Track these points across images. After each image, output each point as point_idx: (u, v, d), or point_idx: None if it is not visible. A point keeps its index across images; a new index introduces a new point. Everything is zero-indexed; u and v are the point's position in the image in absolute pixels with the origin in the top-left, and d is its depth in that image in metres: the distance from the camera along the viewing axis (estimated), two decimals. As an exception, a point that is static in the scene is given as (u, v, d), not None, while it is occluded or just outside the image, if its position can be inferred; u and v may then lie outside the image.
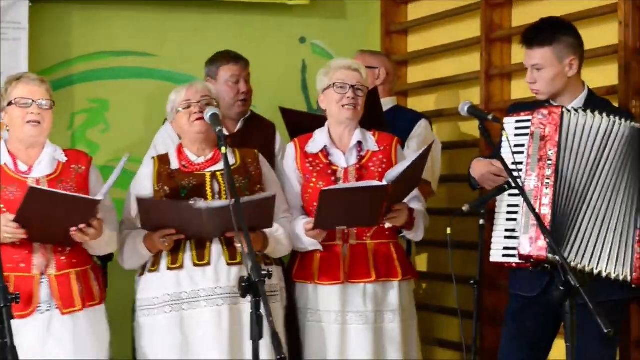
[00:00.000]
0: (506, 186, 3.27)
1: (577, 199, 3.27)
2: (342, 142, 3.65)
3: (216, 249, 3.44)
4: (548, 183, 3.26)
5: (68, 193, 3.27)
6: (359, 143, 3.63)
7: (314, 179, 3.59)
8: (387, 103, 4.30)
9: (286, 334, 3.57)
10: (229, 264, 3.44)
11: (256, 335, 2.72)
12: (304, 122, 3.80)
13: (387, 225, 3.54)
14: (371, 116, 3.81)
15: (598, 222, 3.25)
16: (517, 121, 3.36)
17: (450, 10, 4.72)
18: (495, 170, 3.37)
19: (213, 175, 3.50)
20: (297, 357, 3.61)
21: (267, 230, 3.47)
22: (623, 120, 3.27)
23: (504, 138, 3.29)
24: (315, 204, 3.45)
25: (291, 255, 3.68)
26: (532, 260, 3.27)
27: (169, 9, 4.73)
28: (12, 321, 3.17)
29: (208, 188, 3.47)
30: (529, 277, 3.36)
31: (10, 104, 3.36)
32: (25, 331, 3.28)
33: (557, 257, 2.93)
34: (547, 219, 3.24)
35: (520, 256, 3.27)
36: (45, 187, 3.28)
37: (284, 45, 4.93)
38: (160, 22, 4.74)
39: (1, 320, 2.69)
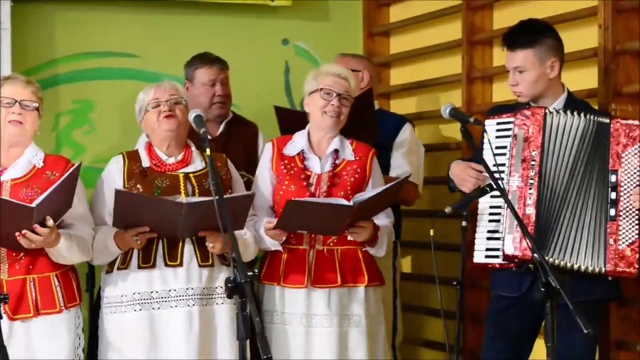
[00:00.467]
0: (488, 188, 3.30)
1: (559, 198, 3.31)
2: (319, 148, 3.66)
3: (188, 250, 3.45)
4: (532, 183, 3.30)
5: (2, 197, 3.20)
6: (336, 151, 3.64)
7: (286, 182, 3.60)
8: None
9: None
10: (200, 266, 3.45)
11: (242, 335, 2.74)
12: (298, 121, 3.79)
13: (349, 238, 3.55)
14: (364, 118, 3.83)
15: (576, 219, 3.30)
16: (498, 123, 3.39)
17: (432, 12, 4.74)
18: (473, 173, 3.40)
19: (186, 176, 3.50)
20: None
21: (235, 233, 3.48)
22: (594, 117, 3.32)
23: (485, 140, 3.33)
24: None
25: (262, 256, 3.69)
26: (516, 260, 3.30)
27: (153, 10, 4.73)
28: None
29: (182, 189, 3.47)
30: (512, 277, 3.39)
31: None
32: None
33: (539, 258, 2.97)
34: (532, 219, 3.28)
35: (505, 256, 3.30)
36: None
37: (266, 47, 4.94)
38: (145, 23, 4.73)
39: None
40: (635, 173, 3.26)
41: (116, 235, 3.42)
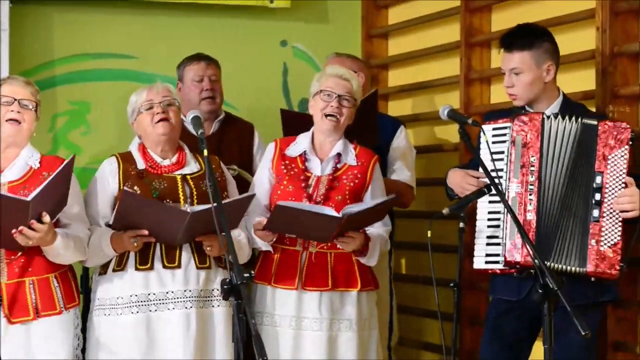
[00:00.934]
0: (485, 190, 3.30)
1: (558, 203, 3.30)
2: (322, 150, 3.64)
3: (186, 252, 3.44)
4: (532, 189, 3.30)
5: None
6: (338, 155, 3.63)
7: (285, 182, 3.58)
8: None
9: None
10: (198, 268, 3.44)
11: (238, 337, 2.73)
12: (303, 125, 3.78)
13: (338, 246, 3.52)
14: (367, 121, 3.82)
15: (570, 222, 3.29)
16: (494, 128, 3.39)
17: (431, 14, 4.74)
18: (473, 181, 3.40)
19: (184, 178, 3.49)
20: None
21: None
22: (586, 120, 3.31)
23: (482, 141, 3.32)
24: None
25: (257, 255, 3.68)
26: (518, 266, 3.30)
27: (150, 11, 4.73)
28: None
29: (180, 191, 3.46)
30: (513, 281, 3.38)
31: None
32: None
33: (538, 262, 2.96)
34: (533, 225, 3.28)
35: (507, 262, 3.30)
36: None
37: (265, 48, 4.94)
38: (142, 24, 4.73)
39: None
40: (620, 175, 3.26)
41: (113, 237, 3.41)
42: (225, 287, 2.77)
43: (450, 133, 4.57)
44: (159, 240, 3.41)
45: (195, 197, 3.45)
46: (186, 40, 4.73)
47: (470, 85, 4.47)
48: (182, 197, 3.44)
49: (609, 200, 3.27)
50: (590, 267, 3.26)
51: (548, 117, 3.33)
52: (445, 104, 3.41)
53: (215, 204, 2.95)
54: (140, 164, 3.50)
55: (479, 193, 3.31)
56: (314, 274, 3.53)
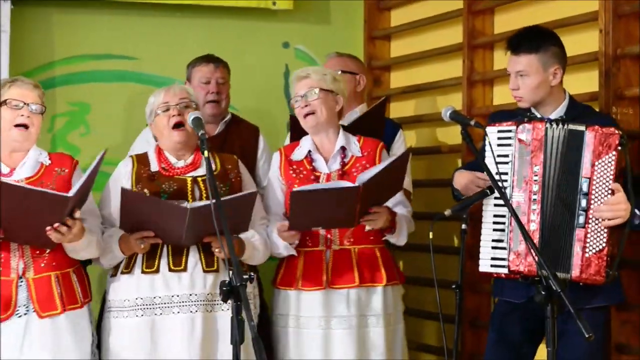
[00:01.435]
0: (488, 191, 3.29)
1: (554, 210, 3.28)
2: (324, 149, 3.65)
3: (193, 256, 3.43)
4: (535, 199, 3.28)
5: (36, 188, 3.19)
6: (343, 149, 3.63)
7: (296, 185, 3.58)
8: (362, 109, 4.30)
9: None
10: (205, 271, 3.43)
11: (237, 340, 2.71)
12: None
13: (367, 228, 3.53)
14: (374, 126, 3.83)
15: (564, 229, 3.27)
16: (499, 131, 3.37)
17: (433, 16, 4.73)
18: (480, 183, 3.38)
19: (194, 180, 3.48)
20: None
21: (243, 237, 3.46)
22: (573, 126, 3.28)
23: (486, 144, 3.30)
24: None
25: (277, 264, 3.67)
26: (522, 275, 3.28)
27: (150, 12, 4.72)
28: None
29: (189, 193, 3.45)
30: (517, 284, 3.36)
31: (0, 105, 3.33)
32: (2, 335, 3.25)
33: (544, 272, 2.94)
34: (537, 235, 3.26)
35: (511, 271, 3.29)
36: (14, 183, 3.20)
37: (267, 50, 4.93)
38: (142, 25, 4.73)
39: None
40: (607, 182, 3.23)
41: (121, 239, 3.41)
42: (224, 288, 2.75)
43: (453, 135, 4.56)
44: (165, 241, 3.40)
45: (204, 198, 3.44)
46: (187, 41, 4.72)
47: (472, 87, 4.46)
48: (190, 200, 3.43)
49: (594, 207, 3.24)
50: (575, 273, 3.24)
51: (551, 125, 3.30)
52: (448, 106, 3.40)
53: (214, 200, 2.93)
54: (154, 166, 3.51)
55: (482, 194, 3.30)
56: (339, 271, 3.53)
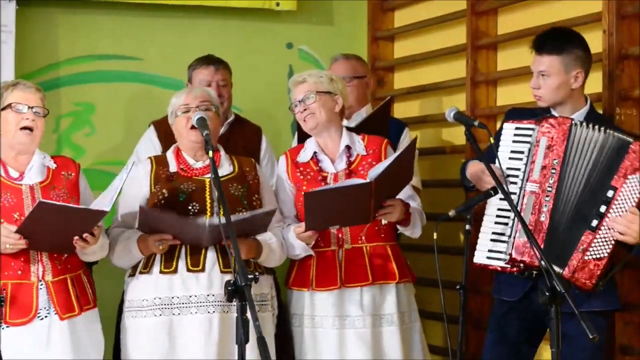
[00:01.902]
0: (492, 192, 3.29)
1: (572, 209, 3.28)
2: (329, 149, 3.67)
3: (211, 256, 3.43)
4: (550, 191, 3.28)
5: (78, 207, 3.28)
6: (348, 148, 3.65)
7: (304, 187, 3.60)
8: (367, 110, 4.30)
9: (277, 342, 3.56)
10: (222, 272, 3.43)
11: (241, 339, 2.71)
12: None
13: (383, 222, 3.54)
14: (379, 127, 3.83)
15: (581, 229, 3.27)
16: (518, 128, 3.37)
17: (437, 17, 4.74)
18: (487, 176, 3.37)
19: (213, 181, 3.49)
20: None
21: (260, 238, 3.47)
22: (614, 132, 3.29)
23: (503, 139, 3.30)
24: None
25: (289, 264, 3.69)
26: (522, 265, 3.28)
27: (155, 13, 4.72)
28: (11, 329, 3.22)
29: (207, 194, 3.46)
30: (512, 281, 3.37)
31: (4, 108, 3.35)
32: (25, 338, 3.28)
33: (544, 264, 2.94)
34: (545, 227, 3.26)
35: (512, 259, 3.28)
36: (55, 202, 3.27)
37: (271, 51, 4.93)
38: (146, 26, 4.73)
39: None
40: (632, 197, 3.22)
41: (139, 240, 3.43)
42: (229, 288, 2.76)
43: (456, 135, 4.56)
44: (185, 242, 3.42)
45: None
46: (191, 42, 4.72)
47: (476, 88, 4.46)
48: (208, 201, 3.44)
49: (611, 216, 3.23)
50: (566, 271, 3.23)
51: (576, 123, 3.30)
52: (452, 107, 3.40)
53: (224, 218, 2.94)
54: (173, 167, 3.52)
55: (485, 195, 3.30)
56: (352, 270, 3.55)
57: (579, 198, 3.28)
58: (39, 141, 3.42)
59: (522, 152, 3.32)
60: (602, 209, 3.24)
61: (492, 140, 3.28)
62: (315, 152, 3.65)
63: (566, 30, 3.49)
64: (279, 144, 4.68)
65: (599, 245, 3.24)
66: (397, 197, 3.55)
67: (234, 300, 2.75)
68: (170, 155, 3.57)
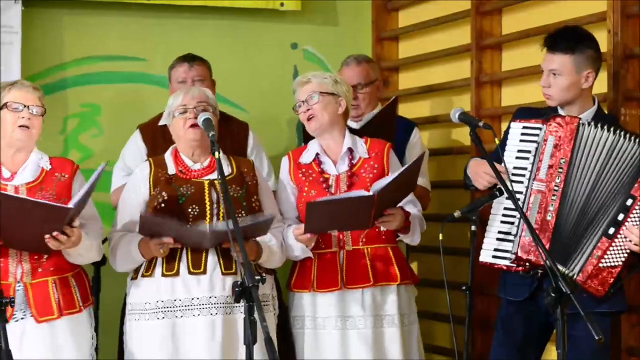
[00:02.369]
0: (497, 192, 3.29)
1: (579, 209, 3.28)
2: (331, 150, 3.67)
3: (212, 259, 3.43)
4: (556, 190, 3.28)
5: (37, 200, 3.23)
6: (350, 150, 3.65)
7: (306, 188, 3.61)
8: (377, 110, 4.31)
9: (279, 343, 3.56)
10: (224, 274, 3.43)
11: (249, 340, 2.72)
12: None
13: (382, 228, 3.55)
14: (385, 128, 3.84)
15: (587, 231, 3.27)
16: (525, 127, 3.37)
17: (441, 17, 4.74)
18: (489, 170, 3.37)
19: (211, 183, 3.48)
20: None
21: (260, 240, 3.48)
22: (628, 135, 3.29)
23: (510, 138, 3.29)
24: None
25: (291, 265, 3.69)
26: (527, 264, 3.28)
27: (160, 14, 4.73)
28: None
29: (206, 197, 3.45)
30: (517, 281, 3.37)
31: (1, 108, 3.36)
32: None
33: (548, 263, 2.95)
34: (551, 226, 3.26)
35: (518, 258, 3.28)
36: (14, 194, 3.24)
37: (275, 51, 4.93)
38: (152, 26, 4.74)
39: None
40: None
41: (140, 243, 3.43)
42: (236, 289, 2.76)
43: (461, 136, 4.57)
44: (186, 245, 3.42)
45: (221, 202, 3.43)
46: (197, 43, 4.72)
47: (481, 88, 4.46)
48: (208, 203, 3.44)
49: (628, 225, 3.22)
50: (580, 277, 3.24)
51: (583, 123, 3.30)
52: (456, 107, 3.40)
53: (231, 226, 2.95)
54: (171, 169, 3.51)
55: (491, 196, 3.31)
56: (353, 272, 3.56)
57: (587, 197, 3.28)
58: (37, 139, 3.42)
59: (529, 151, 3.33)
60: (620, 217, 3.24)
61: (497, 142, 3.28)
62: (317, 154, 3.66)
63: (579, 30, 3.47)
64: (284, 143, 4.69)
65: (615, 253, 3.24)
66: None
67: (241, 301, 2.76)
68: (168, 157, 3.56)
